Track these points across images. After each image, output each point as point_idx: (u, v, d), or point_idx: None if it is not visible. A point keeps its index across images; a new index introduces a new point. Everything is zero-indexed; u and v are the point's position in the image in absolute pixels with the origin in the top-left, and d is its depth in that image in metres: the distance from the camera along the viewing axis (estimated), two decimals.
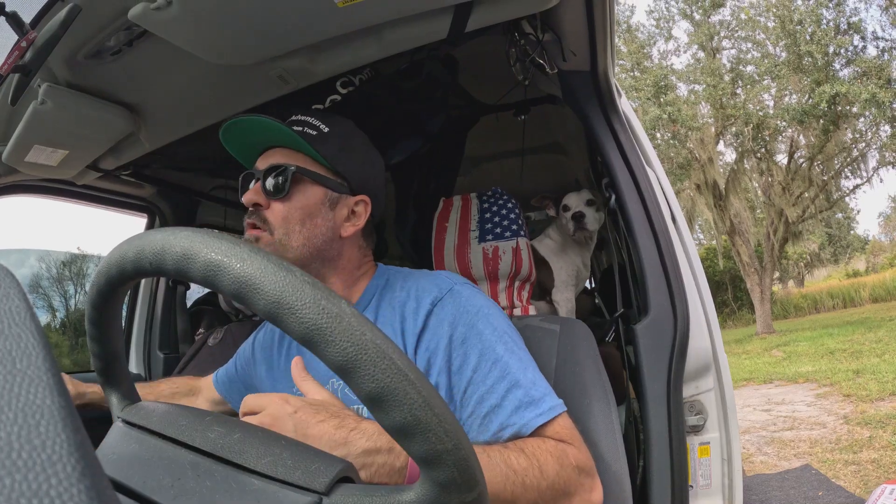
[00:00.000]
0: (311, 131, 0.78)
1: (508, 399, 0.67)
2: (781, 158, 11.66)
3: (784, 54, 10.77)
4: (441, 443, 0.31)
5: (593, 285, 2.75)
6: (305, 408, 0.54)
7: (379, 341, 0.30)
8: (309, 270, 0.78)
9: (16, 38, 0.81)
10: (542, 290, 1.58)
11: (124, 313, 1.83)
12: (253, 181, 0.79)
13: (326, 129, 0.79)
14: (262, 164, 0.80)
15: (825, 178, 11.21)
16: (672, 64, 13.21)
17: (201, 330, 1.84)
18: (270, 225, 0.77)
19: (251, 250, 0.31)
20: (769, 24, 11.07)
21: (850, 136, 10.79)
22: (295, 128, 0.78)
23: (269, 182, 0.77)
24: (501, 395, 0.67)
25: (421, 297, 0.75)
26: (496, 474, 0.58)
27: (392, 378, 0.30)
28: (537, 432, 0.67)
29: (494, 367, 0.69)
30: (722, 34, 11.91)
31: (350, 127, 0.84)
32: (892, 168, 11.01)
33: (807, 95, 10.40)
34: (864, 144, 11.04)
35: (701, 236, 17.75)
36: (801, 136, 11.14)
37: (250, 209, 0.78)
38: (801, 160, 11.35)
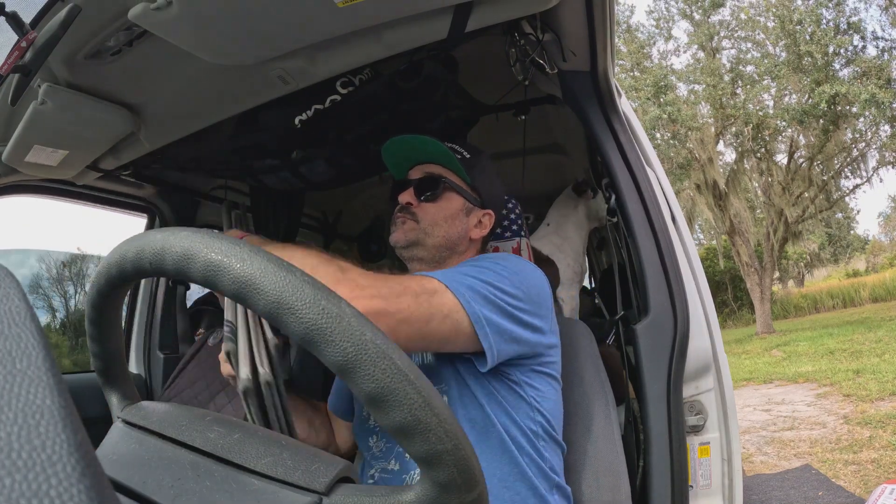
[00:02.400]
0: (458, 155, 0.99)
1: None
2: (781, 158, 11.67)
3: (784, 54, 10.77)
4: (441, 443, 0.31)
5: (593, 285, 2.75)
6: None
7: (379, 341, 0.30)
8: (440, 257, 0.96)
9: (16, 38, 0.81)
10: None
11: (124, 313, 1.83)
12: (409, 186, 0.98)
13: (469, 156, 1.00)
14: (415, 174, 1.00)
15: (825, 178, 11.21)
16: (672, 64, 13.24)
17: (201, 330, 1.84)
18: (418, 218, 0.96)
19: (251, 250, 0.31)
20: (769, 24, 11.08)
21: (849, 136, 10.79)
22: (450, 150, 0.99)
23: (423, 187, 0.97)
24: None
25: None
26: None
27: (392, 378, 0.30)
28: None
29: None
30: (722, 34, 11.92)
31: (485, 156, 1.04)
32: (892, 168, 11.02)
33: (807, 95, 10.40)
34: (864, 144, 11.05)
35: (701, 236, 17.76)
36: (801, 136, 11.15)
37: (402, 206, 0.97)
38: (801, 160, 11.35)
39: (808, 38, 10.20)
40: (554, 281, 1.57)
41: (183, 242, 0.32)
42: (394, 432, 0.31)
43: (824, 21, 10.34)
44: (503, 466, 0.76)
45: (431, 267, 0.95)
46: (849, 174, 11.45)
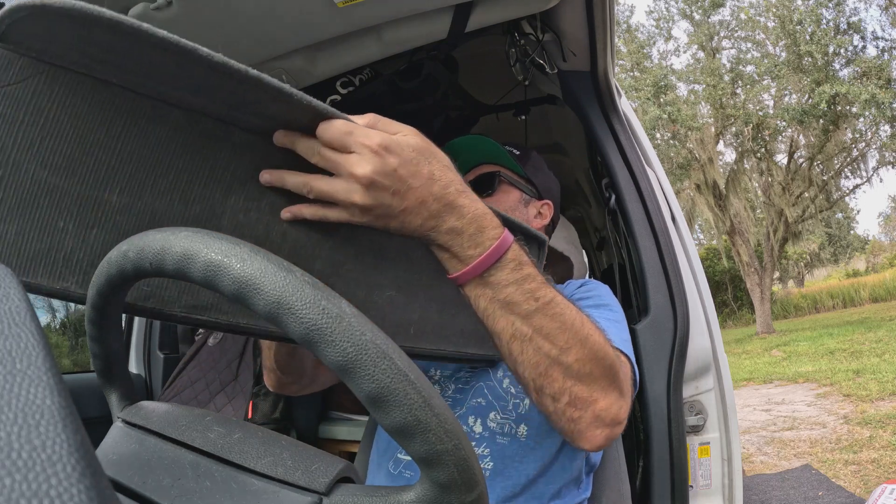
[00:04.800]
0: (512, 151, 1.01)
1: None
2: (781, 158, 11.67)
3: (784, 54, 10.78)
4: (441, 443, 0.31)
5: None
6: (434, 151, 0.51)
7: (379, 341, 0.30)
8: None
9: None
10: None
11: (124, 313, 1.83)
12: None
13: (518, 152, 1.02)
14: (471, 176, 1.01)
15: (825, 178, 11.22)
16: (672, 64, 13.24)
17: (201, 330, 1.84)
18: None
19: (251, 250, 0.31)
20: (769, 24, 11.09)
21: (849, 136, 10.80)
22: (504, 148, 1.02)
23: (481, 186, 0.97)
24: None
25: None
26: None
27: (392, 378, 0.30)
28: None
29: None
30: (722, 34, 11.92)
31: (534, 151, 1.07)
32: (892, 168, 11.03)
33: (807, 95, 10.40)
34: (864, 144, 11.06)
35: (701, 236, 17.76)
36: (800, 136, 11.15)
37: None
38: (801, 160, 11.36)
39: (808, 38, 10.21)
40: (568, 277, 1.57)
41: (183, 242, 0.32)
42: (394, 432, 0.31)
43: (824, 21, 10.35)
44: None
45: None
46: (849, 174, 11.47)
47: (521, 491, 0.75)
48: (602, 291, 0.90)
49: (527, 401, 0.77)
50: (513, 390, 0.78)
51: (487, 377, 0.80)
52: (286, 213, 0.50)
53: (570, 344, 0.53)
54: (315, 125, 0.47)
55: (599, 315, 0.77)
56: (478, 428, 0.78)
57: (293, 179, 0.48)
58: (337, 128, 0.46)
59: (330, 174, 0.48)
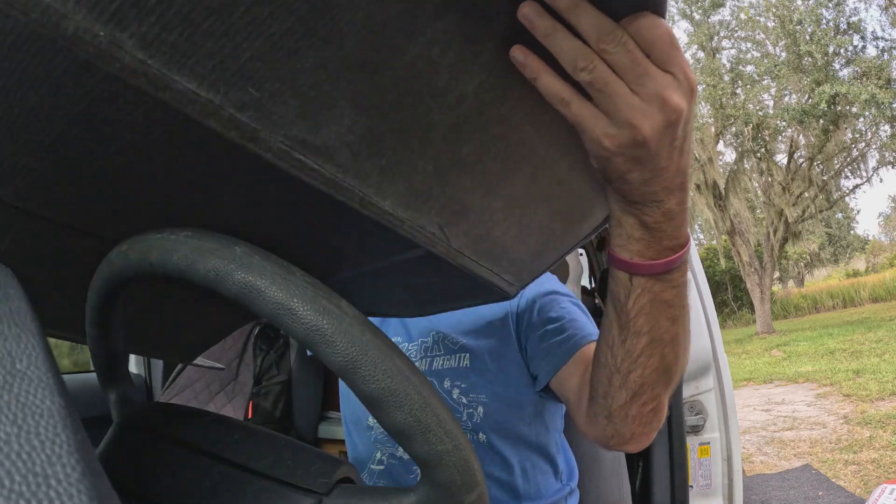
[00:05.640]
0: None
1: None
2: (781, 158, 11.68)
3: (784, 54, 10.78)
4: (441, 443, 0.31)
5: (593, 285, 2.75)
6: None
7: (379, 342, 0.31)
8: None
9: None
10: None
11: None
12: None
13: None
14: None
15: (825, 178, 11.22)
16: None
17: None
18: None
19: (252, 250, 0.31)
20: (769, 24, 11.09)
21: (849, 136, 10.80)
22: None
23: None
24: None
25: None
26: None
27: (392, 379, 0.30)
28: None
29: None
30: (722, 34, 11.93)
31: None
32: (892, 168, 11.03)
33: (807, 95, 10.41)
34: (863, 144, 11.06)
35: (701, 236, 17.76)
36: (800, 136, 11.15)
37: None
38: (801, 160, 11.36)
39: (808, 38, 10.21)
40: (563, 274, 1.58)
41: (183, 248, 0.32)
42: (394, 433, 0.31)
43: (824, 21, 10.35)
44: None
45: None
46: (849, 174, 11.47)
47: (498, 492, 0.75)
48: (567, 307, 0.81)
49: (480, 409, 0.75)
50: (464, 400, 0.76)
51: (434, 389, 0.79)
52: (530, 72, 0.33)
53: (683, 353, 0.49)
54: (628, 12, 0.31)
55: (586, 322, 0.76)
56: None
57: (549, 76, 0.33)
58: (666, 30, 0.31)
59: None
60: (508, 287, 0.54)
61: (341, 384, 1.00)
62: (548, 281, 0.82)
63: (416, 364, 0.68)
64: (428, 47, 0.30)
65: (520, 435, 0.76)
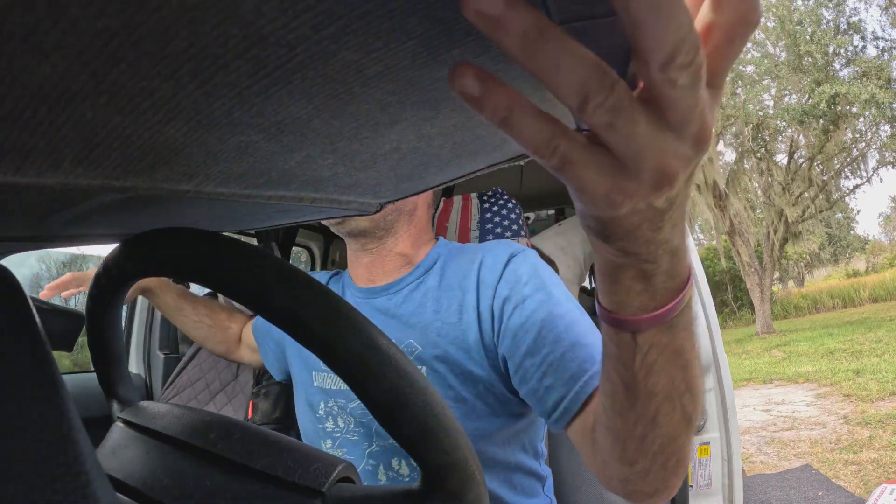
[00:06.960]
0: None
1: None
2: (781, 158, 11.67)
3: (784, 54, 10.78)
4: (448, 452, 0.31)
5: (593, 285, 2.75)
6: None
7: (385, 347, 0.31)
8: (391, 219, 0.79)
9: None
10: None
11: (124, 313, 1.84)
12: None
13: None
14: None
15: (825, 178, 11.22)
16: None
17: None
18: None
19: (257, 251, 0.31)
20: (769, 24, 11.08)
21: (849, 136, 10.80)
22: None
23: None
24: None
25: (498, 253, 0.75)
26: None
27: (401, 384, 0.30)
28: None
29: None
30: None
31: None
32: (892, 168, 11.03)
33: (807, 95, 10.41)
34: (864, 144, 11.06)
35: (701, 236, 17.77)
36: (800, 136, 11.15)
37: None
38: (801, 160, 11.36)
39: (808, 38, 10.21)
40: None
41: (186, 245, 0.32)
42: (401, 441, 0.31)
43: (824, 21, 10.35)
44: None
45: None
46: (849, 174, 11.47)
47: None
48: (551, 289, 0.68)
49: None
50: None
51: None
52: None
53: (699, 393, 0.41)
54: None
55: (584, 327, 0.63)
56: (404, 470, 0.72)
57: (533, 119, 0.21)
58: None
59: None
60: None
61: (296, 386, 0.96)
62: (531, 274, 0.70)
63: None
64: None
65: (492, 458, 0.71)
